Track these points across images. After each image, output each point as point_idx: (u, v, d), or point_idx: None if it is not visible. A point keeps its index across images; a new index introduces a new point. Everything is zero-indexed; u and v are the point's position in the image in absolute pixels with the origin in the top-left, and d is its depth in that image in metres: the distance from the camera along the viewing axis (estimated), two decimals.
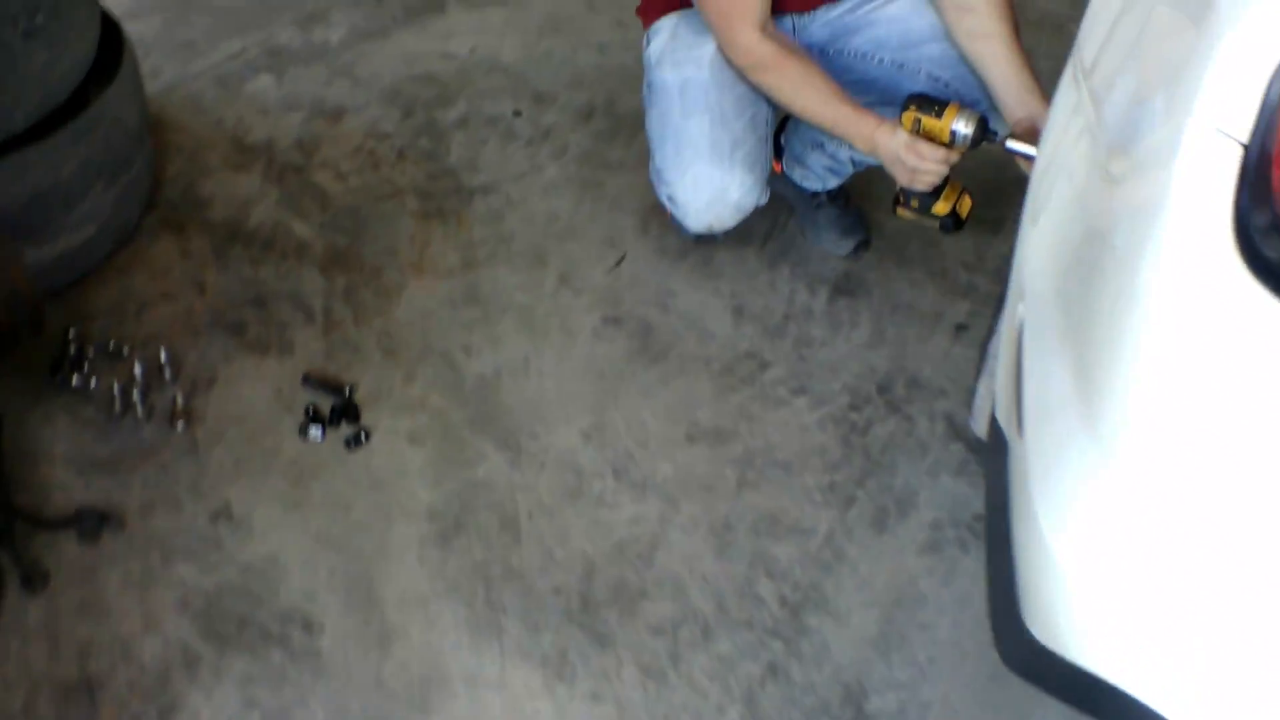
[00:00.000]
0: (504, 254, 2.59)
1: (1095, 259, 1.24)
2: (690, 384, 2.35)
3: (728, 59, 2.29)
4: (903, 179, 2.18)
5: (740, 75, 2.31)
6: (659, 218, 2.55)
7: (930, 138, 2.12)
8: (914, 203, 2.23)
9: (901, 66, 2.36)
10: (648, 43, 2.47)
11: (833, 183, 2.62)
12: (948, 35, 2.28)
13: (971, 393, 2.01)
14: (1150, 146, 1.14)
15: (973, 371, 2.34)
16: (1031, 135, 2.12)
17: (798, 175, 2.64)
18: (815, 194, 2.65)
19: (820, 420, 2.31)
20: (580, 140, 2.91)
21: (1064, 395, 1.23)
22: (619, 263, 2.59)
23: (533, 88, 3.05)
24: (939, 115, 2.10)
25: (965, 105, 2.13)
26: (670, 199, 2.39)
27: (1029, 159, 2.06)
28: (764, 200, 2.38)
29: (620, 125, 2.95)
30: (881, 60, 2.38)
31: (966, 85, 2.29)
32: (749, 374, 2.39)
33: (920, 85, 2.34)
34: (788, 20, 2.38)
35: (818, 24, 2.42)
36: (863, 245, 2.65)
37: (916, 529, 2.13)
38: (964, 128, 2.09)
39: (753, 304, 2.54)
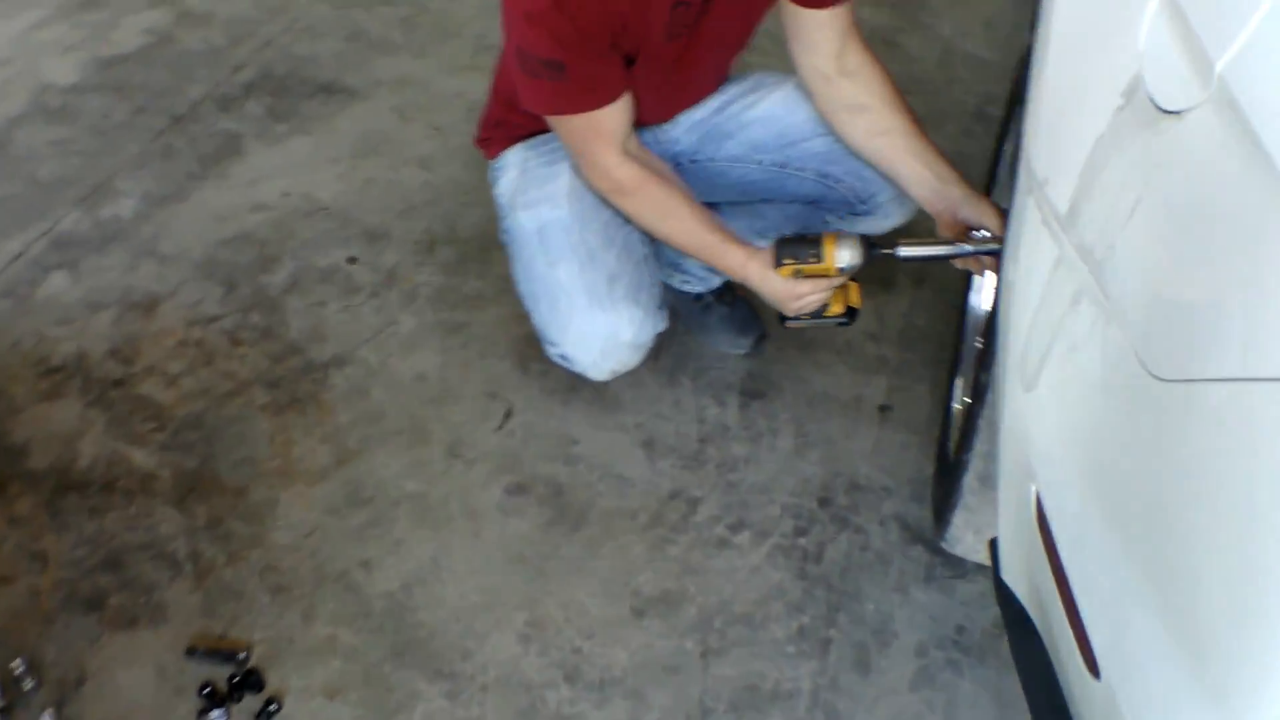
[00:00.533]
0: (378, 436, 2.31)
1: (1167, 477, 1.04)
2: (621, 547, 2.12)
3: (587, 181, 2.06)
4: (788, 311, 1.99)
5: (603, 199, 2.07)
6: (536, 352, 2.30)
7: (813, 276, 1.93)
8: (803, 317, 2.02)
9: (784, 166, 2.17)
10: (495, 181, 2.21)
11: (715, 281, 2.42)
12: (833, 131, 2.08)
13: (943, 520, 1.82)
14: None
15: (907, 456, 2.18)
16: (958, 229, 1.95)
17: (677, 281, 2.43)
18: (699, 296, 2.44)
19: (769, 555, 2.11)
20: (429, 278, 2.63)
21: (1154, 640, 1.03)
22: (507, 417, 2.33)
23: (362, 226, 2.76)
24: (818, 257, 1.91)
25: (838, 230, 1.95)
26: (563, 358, 2.15)
27: (957, 256, 1.88)
28: (663, 325, 2.15)
29: (468, 251, 2.69)
30: (761, 162, 2.18)
31: (861, 178, 2.11)
32: (680, 518, 2.17)
33: (808, 185, 2.16)
34: (649, 133, 2.16)
35: (682, 130, 2.20)
36: (760, 339, 2.45)
37: (903, 661, 1.95)
38: (849, 259, 1.91)
39: (662, 433, 2.31)
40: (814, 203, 2.23)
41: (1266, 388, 0.93)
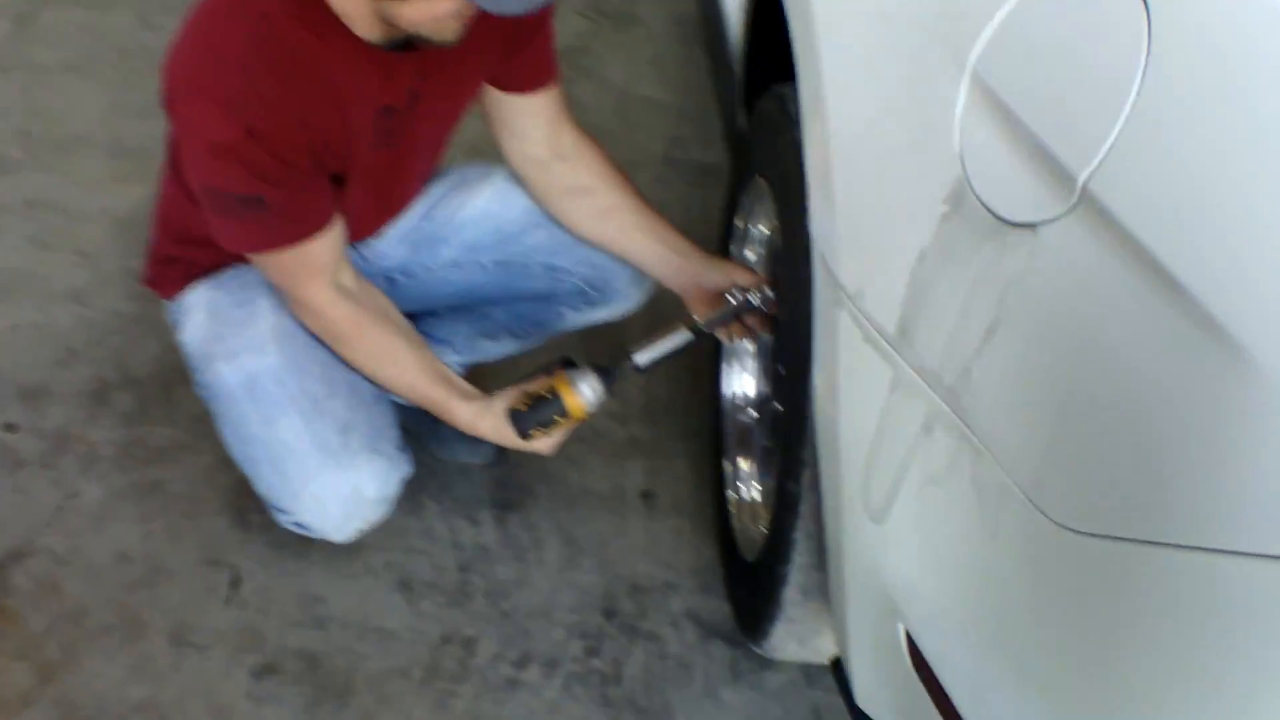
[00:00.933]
0: (85, 638, 1.95)
1: (1096, 639, 0.94)
2: (400, 713, 1.88)
3: (297, 318, 1.80)
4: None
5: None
6: (254, 501, 2.00)
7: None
8: (536, 432, 1.81)
9: (507, 264, 1.99)
10: (178, 325, 1.91)
11: None
12: (555, 219, 1.92)
13: (759, 631, 1.70)
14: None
15: (682, 544, 2.07)
16: (708, 297, 1.85)
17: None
18: None
19: (565, 687, 1.93)
20: (108, 434, 2.27)
21: None
22: (235, 586, 2.03)
23: (14, 385, 2.35)
24: (563, 413, 1.75)
25: (562, 369, 1.77)
26: (299, 526, 1.88)
27: (698, 337, 1.78)
28: (409, 470, 1.92)
29: (148, 394, 2.34)
30: (482, 264, 1.99)
31: (592, 266, 1.96)
32: (458, 665, 1.95)
33: (536, 280, 1.99)
34: (355, 252, 1.92)
35: (391, 243, 1.97)
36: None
37: None
38: (593, 396, 1.75)
39: (417, 569, 2.08)
40: (544, 298, 2.06)
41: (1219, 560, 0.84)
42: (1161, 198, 0.90)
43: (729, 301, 1.81)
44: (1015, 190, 1.02)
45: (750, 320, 1.83)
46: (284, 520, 1.88)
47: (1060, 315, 0.97)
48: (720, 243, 2.11)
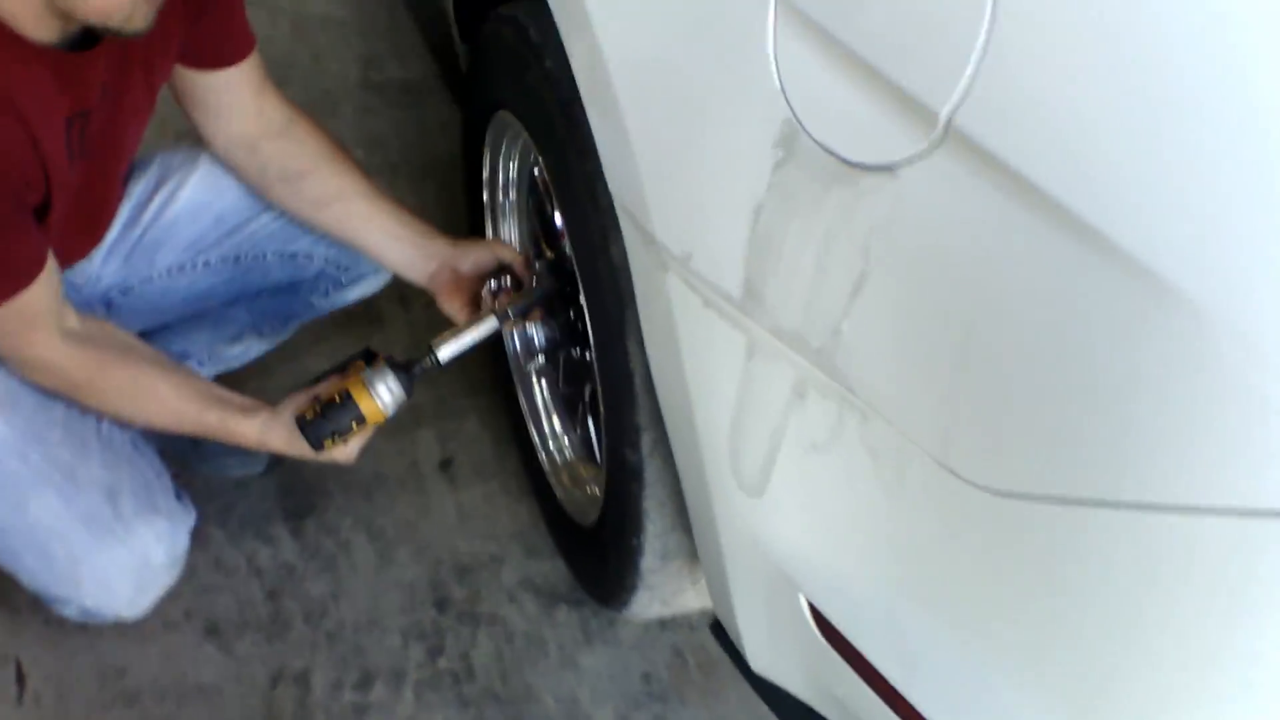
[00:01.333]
0: None
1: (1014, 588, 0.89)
2: None
3: (20, 378, 1.55)
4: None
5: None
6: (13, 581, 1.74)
7: None
8: (331, 442, 1.60)
9: (238, 259, 1.76)
10: None
11: None
12: (273, 206, 1.70)
13: (618, 600, 1.60)
14: None
15: (497, 510, 1.97)
16: (464, 285, 1.67)
17: None
18: None
19: (418, 697, 1.81)
20: None
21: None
22: (21, 682, 1.78)
23: None
24: (360, 419, 1.54)
25: (355, 370, 1.56)
26: (85, 613, 1.63)
27: (503, 325, 1.61)
28: (193, 517, 1.69)
29: None
30: (209, 263, 1.76)
31: (334, 245, 1.75)
32: (297, 704, 1.79)
33: (275, 271, 1.79)
34: (65, 283, 1.65)
35: (99, 263, 1.71)
36: None
37: None
38: (391, 398, 1.55)
39: (222, 608, 1.88)
40: (287, 289, 1.85)
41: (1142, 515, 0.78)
42: (1039, 124, 0.81)
43: (489, 290, 1.64)
44: (857, 129, 0.92)
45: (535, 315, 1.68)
46: (65, 611, 1.64)
47: (941, 259, 0.88)
48: (468, 191, 1.93)
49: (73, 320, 1.49)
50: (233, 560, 1.94)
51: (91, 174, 1.53)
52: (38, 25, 1.30)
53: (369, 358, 1.61)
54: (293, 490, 2.04)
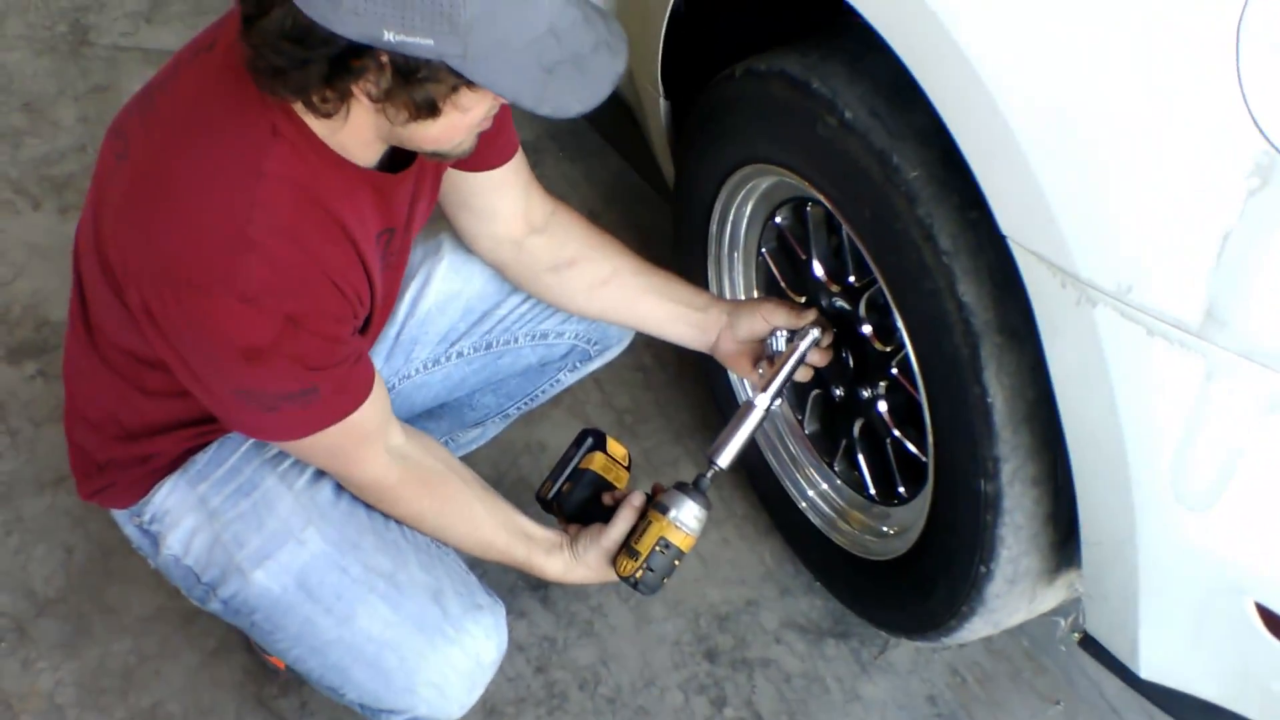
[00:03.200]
0: None
1: None
2: None
3: (354, 491, 1.54)
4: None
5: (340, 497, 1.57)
6: (266, 679, 1.72)
7: None
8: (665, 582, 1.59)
9: (489, 347, 1.79)
10: (158, 538, 1.55)
11: None
12: (542, 300, 1.74)
13: (943, 628, 1.62)
14: None
15: (738, 552, 1.95)
16: (745, 353, 1.69)
17: None
18: None
19: None
20: (55, 677, 1.89)
21: None
22: None
23: None
24: (680, 555, 1.55)
25: (657, 506, 1.55)
26: None
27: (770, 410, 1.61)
28: (503, 606, 1.64)
29: (76, 609, 1.96)
30: (463, 354, 1.79)
31: (580, 324, 1.80)
32: None
33: (526, 354, 1.80)
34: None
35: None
36: None
37: None
38: (696, 523, 1.55)
39: (493, 687, 1.86)
40: (536, 370, 1.85)
41: None
42: None
43: (770, 349, 1.63)
44: None
45: (812, 360, 1.65)
46: None
47: None
48: (679, 248, 1.95)
49: (398, 436, 1.48)
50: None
51: (391, 284, 1.53)
52: (364, 152, 1.31)
53: (597, 437, 1.65)
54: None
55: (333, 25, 1.07)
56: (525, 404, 1.92)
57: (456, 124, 1.24)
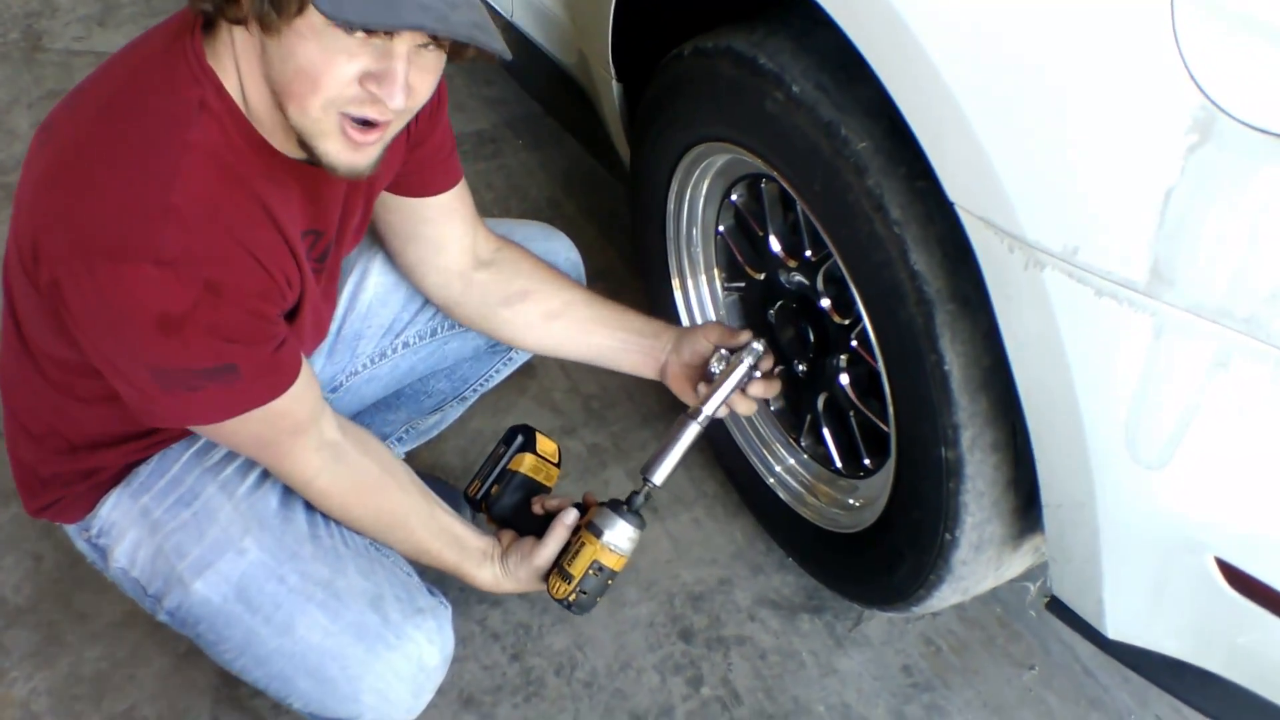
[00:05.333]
0: None
1: None
2: None
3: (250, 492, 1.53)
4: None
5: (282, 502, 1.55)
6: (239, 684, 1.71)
7: None
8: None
9: (434, 334, 1.83)
10: (105, 551, 1.54)
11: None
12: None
13: (911, 598, 1.63)
14: None
15: (708, 533, 1.93)
16: (690, 375, 1.67)
17: None
18: None
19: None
20: (29, 686, 1.88)
21: None
22: None
23: None
24: (612, 576, 1.56)
25: (589, 528, 1.55)
26: None
27: (705, 429, 1.60)
28: (449, 609, 1.61)
29: (47, 618, 1.96)
30: (409, 344, 1.81)
31: None
32: None
33: (471, 337, 1.80)
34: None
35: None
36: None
37: None
38: (629, 543, 1.56)
39: (472, 678, 1.89)
40: (488, 349, 1.85)
41: None
42: None
43: (712, 371, 1.62)
44: None
45: (756, 392, 1.63)
46: None
47: None
48: (638, 227, 1.94)
49: (332, 431, 1.47)
50: (466, 628, 1.93)
51: (325, 288, 1.52)
52: (285, 142, 1.30)
53: (526, 435, 1.64)
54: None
55: None
56: (480, 385, 1.92)
57: (318, 63, 1.16)
